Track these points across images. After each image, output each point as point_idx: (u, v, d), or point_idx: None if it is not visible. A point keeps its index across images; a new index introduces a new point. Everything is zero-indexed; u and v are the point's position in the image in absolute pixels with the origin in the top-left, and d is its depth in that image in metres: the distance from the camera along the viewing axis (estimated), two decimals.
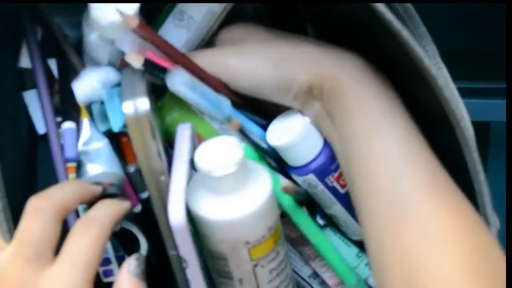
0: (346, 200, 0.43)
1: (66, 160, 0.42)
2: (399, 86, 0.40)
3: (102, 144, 0.44)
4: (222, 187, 0.37)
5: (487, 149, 0.88)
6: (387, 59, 0.39)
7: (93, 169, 0.43)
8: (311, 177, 0.43)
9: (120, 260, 0.46)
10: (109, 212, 0.37)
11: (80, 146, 0.44)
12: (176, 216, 0.36)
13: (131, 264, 0.36)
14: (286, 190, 0.41)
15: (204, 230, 0.39)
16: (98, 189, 0.40)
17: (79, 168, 0.44)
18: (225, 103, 0.41)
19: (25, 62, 0.45)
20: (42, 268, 0.33)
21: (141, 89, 0.37)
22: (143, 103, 0.36)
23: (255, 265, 0.40)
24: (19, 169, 0.43)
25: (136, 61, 0.38)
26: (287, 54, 0.40)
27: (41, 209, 0.34)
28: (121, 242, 0.48)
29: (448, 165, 0.37)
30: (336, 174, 0.43)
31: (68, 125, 0.43)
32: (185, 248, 0.37)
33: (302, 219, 0.44)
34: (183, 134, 0.41)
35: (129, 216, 0.46)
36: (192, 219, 0.39)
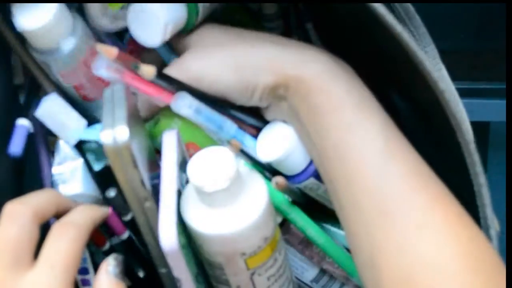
0: None
1: (9, 155, 0.41)
2: (398, 88, 0.40)
3: (77, 164, 0.43)
4: (215, 201, 0.37)
5: (486, 149, 0.88)
6: (387, 60, 0.39)
7: (67, 190, 0.42)
8: (312, 181, 0.43)
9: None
10: (86, 215, 0.37)
11: (55, 166, 0.43)
12: (168, 241, 0.35)
13: (110, 264, 0.35)
14: (279, 186, 0.41)
15: (199, 242, 0.38)
16: (73, 203, 0.40)
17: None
18: (228, 124, 0.41)
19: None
20: (22, 273, 0.33)
21: (120, 116, 0.35)
22: (122, 132, 0.34)
23: (252, 274, 0.39)
24: (5, 178, 0.43)
25: (109, 54, 0.37)
26: (245, 57, 0.39)
27: (17, 214, 0.34)
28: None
29: (448, 167, 0.36)
30: None
31: (22, 122, 0.42)
32: (179, 270, 0.36)
33: (305, 222, 0.44)
34: (169, 143, 0.40)
35: (117, 244, 0.46)
36: (185, 230, 0.39)
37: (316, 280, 0.48)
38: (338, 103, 0.37)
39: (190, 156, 0.39)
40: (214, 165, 0.36)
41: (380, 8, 0.33)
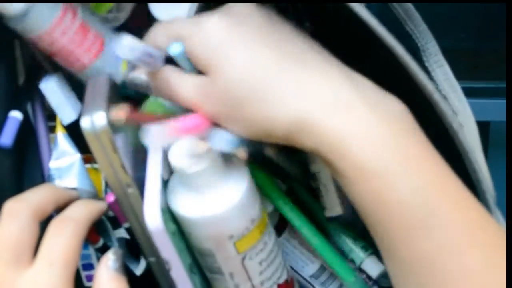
0: None
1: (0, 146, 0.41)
2: (399, 87, 0.40)
3: (74, 159, 0.43)
4: (198, 184, 0.37)
5: (486, 149, 0.88)
6: (387, 67, 0.38)
7: (62, 185, 0.42)
8: None
9: None
10: (84, 211, 0.37)
11: (52, 161, 0.44)
12: (152, 220, 0.36)
13: (110, 258, 0.35)
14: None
15: (187, 228, 0.39)
16: (74, 194, 0.40)
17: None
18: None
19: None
20: (22, 270, 0.33)
21: (101, 103, 0.36)
22: (101, 118, 0.36)
23: (243, 258, 0.39)
24: (4, 176, 0.43)
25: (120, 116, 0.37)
26: (266, 123, 0.33)
27: (16, 212, 0.34)
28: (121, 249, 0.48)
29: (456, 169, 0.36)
30: None
31: (15, 114, 0.42)
32: (166, 251, 0.37)
33: (303, 225, 0.44)
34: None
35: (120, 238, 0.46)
36: (175, 218, 0.39)
37: (315, 276, 0.48)
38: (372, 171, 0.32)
39: None
40: (194, 148, 0.37)
41: (372, 21, 0.33)
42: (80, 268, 0.45)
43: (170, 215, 0.38)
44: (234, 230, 0.38)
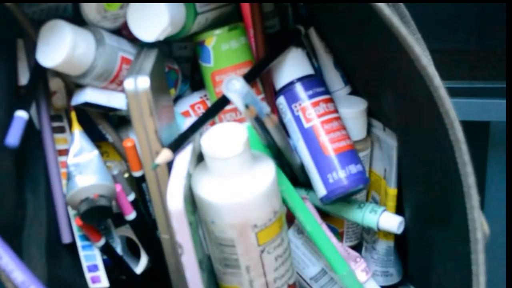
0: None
1: (6, 146, 0.41)
2: (395, 87, 0.40)
3: (92, 156, 0.44)
4: (229, 170, 0.38)
5: (486, 149, 0.88)
6: (385, 57, 0.39)
7: (83, 181, 0.43)
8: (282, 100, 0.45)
9: (106, 264, 0.46)
10: None
11: (70, 158, 0.44)
12: (174, 201, 0.36)
13: None
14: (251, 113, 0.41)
15: (213, 216, 0.39)
16: None
17: (69, 180, 0.44)
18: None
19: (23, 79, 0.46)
20: None
21: (146, 68, 0.39)
22: (143, 81, 0.38)
23: (262, 251, 0.40)
24: (6, 177, 0.43)
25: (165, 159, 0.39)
26: None
27: None
28: (123, 248, 0.48)
29: (438, 168, 0.36)
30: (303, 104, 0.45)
31: (20, 113, 0.43)
32: (182, 233, 0.37)
33: (300, 208, 0.45)
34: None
35: (124, 224, 0.46)
36: (196, 207, 0.40)
37: (315, 278, 0.49)
38: None
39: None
40: (227, 135, 0.39)
41: (378, 4, 0.33)
42: (86, 270, 0.45)
43: (190, 207, 0.38)
44: (258, 219, 0.39)
